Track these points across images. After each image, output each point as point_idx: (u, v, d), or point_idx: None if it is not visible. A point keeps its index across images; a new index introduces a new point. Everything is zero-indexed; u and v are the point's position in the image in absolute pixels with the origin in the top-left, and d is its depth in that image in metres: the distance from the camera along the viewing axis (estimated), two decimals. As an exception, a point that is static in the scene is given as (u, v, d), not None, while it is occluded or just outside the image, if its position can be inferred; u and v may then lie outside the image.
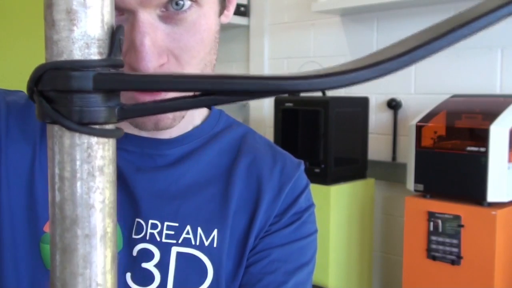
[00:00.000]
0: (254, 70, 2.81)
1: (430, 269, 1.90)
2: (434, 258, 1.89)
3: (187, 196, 0.67)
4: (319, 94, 2.45)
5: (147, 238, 0.64)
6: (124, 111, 0.25)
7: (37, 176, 0.63)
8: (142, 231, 0.64)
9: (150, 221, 0.65)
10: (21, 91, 0.70)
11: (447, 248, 1.86)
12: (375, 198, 2.36)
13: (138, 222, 0.65)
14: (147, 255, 0.64)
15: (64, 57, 0.24)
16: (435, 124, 1.92)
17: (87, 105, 0.24)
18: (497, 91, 2.07)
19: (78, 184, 0.25)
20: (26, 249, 0.62)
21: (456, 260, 1.84)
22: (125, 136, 0.67)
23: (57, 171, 0.25)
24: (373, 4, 2.19)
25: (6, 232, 0.62)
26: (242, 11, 2.78)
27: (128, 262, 0.63)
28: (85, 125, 0.24)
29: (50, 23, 0.24)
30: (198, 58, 0.60)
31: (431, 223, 1.89)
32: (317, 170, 2.12)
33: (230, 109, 2.41)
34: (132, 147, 0.67)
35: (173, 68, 0.57)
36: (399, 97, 2.31)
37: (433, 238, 1.89)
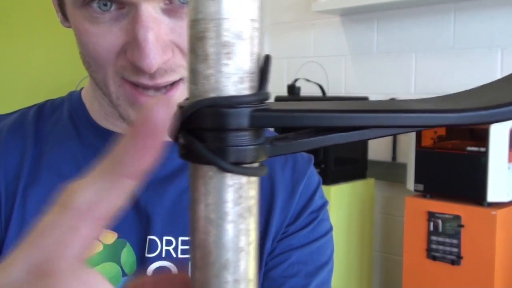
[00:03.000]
0: (254, 70, 2.81)
1: (430, 269, 1.90)
2: (434, 258, 1.89)
3: None
4: (318, 94, 2.45)
5: (163, 255, 0.61)
6: (273, 148, 0.24)
7: (29, 207, 0.60)
8: (157, 248, 0.61)
9: (165, 238, 0.61)
10: None
11: (447, 248, 1.85)
12: (375, 198, 2.36)
13: (151, 239, 0.61)
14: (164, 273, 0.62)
15: (217, 93, 0.23)
16: (435, 124, 1.92)
17: (241, 144, 0.23)
18: (497, 91, 2.07)
19: (229, 227, 0.23)
20: None
21: (456, 260, 1.83)
22: None
23: (204, 213, 0.24)
24: (373, 4, 2.19)
25: None
26: (242, 11, 2.78)
27: None
28: (238, 165, 0.23)
29: (201, 57, 0.23)
30: None
31: (431, 223, 1.89)
32: (317, 170, 2.12)
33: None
34: None
35: (178, 61, 0.54)
36: (399, 97, 2.31)
37: (433, 238, 1.89)
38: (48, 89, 2.42)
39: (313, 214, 0.69)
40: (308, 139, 0.25)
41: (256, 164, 0.24)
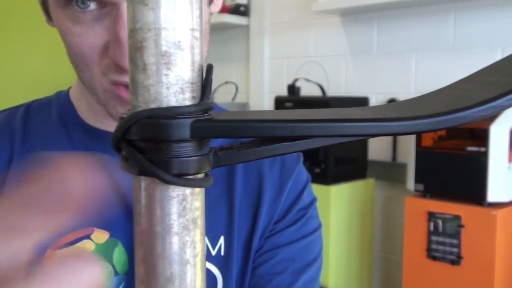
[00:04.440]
0: (254, 70, 2.81)
1: (430, 269, 1.90)
2: (434, 258, 1.89)
3: None
4: (318, 94, 2.45)
5: None
6: (218, 158, 0.24)
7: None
8: None
9: None
10: None
11: (447, 248, 1.85)
12: (375, 198, 2.36)
13: None
14: None
15: (157, 103, 0.22)
16: (435, 124, 1.92)
17: (184, 155, 0.23)
18: (497, 91, 2.07)
19: (173, 239, 0.23)
20: None
21: (456, 260, 1.83)
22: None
23: (148, 226, 0.23)
24: (373, 4, 2.19)
25: None
26: (242, 11, 2.78)
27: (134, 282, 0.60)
28: (181, 177, 0.23)
29: (140, 67, 0.22)
30: None
31: (431, 223, 1.89)
32: (317, 170, 2.12)
33: (230, 109, 2.40)
34: None
35: None
36: (399, 96, 2.31)
37: (433, 238, 1.89)
38: (48, 89, 2.41)
39: (301, 212, 0.69)
40: (253, 149, 0.25)
41: (200, 175, 0.24)
